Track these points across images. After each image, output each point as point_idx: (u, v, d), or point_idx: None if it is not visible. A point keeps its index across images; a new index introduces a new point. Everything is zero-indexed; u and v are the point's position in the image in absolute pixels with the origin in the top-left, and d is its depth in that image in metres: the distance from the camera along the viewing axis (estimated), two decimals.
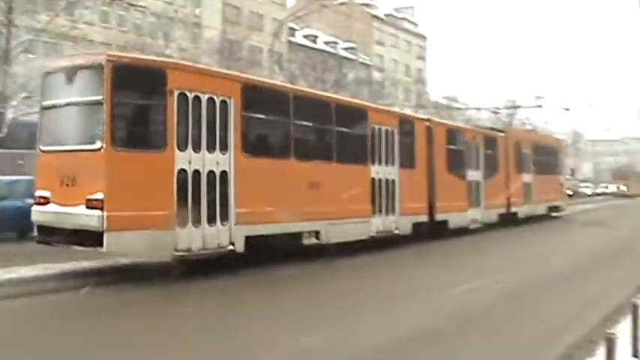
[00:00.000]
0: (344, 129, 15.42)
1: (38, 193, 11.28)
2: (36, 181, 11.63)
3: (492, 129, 26.67)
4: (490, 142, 23.86)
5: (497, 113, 53.81)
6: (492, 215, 23.13)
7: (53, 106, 11.28)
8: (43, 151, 11.33)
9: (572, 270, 13.49)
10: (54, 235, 10.94)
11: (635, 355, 6.39)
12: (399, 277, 12.48)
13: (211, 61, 33.23)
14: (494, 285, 11.25)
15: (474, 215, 21.77)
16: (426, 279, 12.18)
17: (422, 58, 75.09)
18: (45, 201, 11.06)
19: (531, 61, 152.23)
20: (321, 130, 14.81)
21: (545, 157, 29.20)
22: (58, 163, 10.92)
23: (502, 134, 25.43)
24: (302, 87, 26.53)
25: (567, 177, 37.74)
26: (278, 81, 21.38)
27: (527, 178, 26.67)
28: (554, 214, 29.26)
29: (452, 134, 21.19)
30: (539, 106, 48.62)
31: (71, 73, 11.06)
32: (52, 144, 11.20)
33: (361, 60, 59.27)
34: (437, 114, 48.53)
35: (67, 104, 11.06)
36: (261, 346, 7.19)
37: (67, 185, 10.71)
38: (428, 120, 20.24)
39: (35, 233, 11.36)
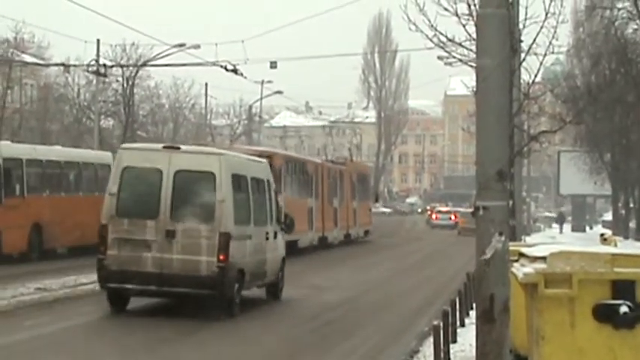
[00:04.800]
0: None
1: None
2: None
3: (333, 162, 50.52)
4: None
5: (103, 75, 50.63)
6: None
7: None
8: None
9: None
10: None
11: None
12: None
13: None
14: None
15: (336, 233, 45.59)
16: None
17: None
18: None
19: None
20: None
21: (361, 184, 52.03)
22: None
23: (345, 166, 49.15)
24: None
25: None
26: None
27: (354, 204, 49.05)
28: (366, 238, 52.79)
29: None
30: (180, 65, 49.42)
31: None
32: None
33: None
34: None
35: None
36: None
37: None
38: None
39: None
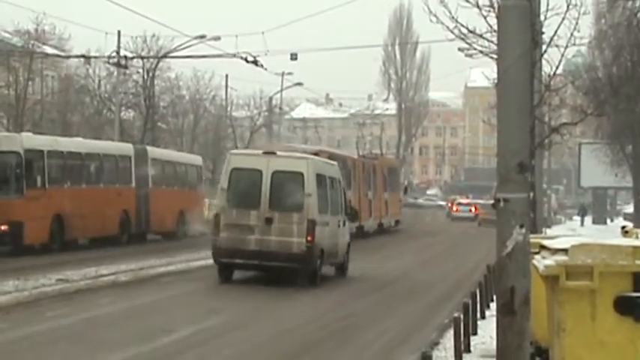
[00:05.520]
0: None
1: None
2: None
3: (366, 157, 53.93)
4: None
5: (123, 67, 51.92)
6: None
7: None
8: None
9: None
10: None
11: None
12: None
13: None
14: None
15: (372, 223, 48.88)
16: None
17: None
18: None
19: None
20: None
21: (391, 177, 56.14)
22: None
23: (377, 161, 53.93)
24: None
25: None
26: None
27: (386, 196, 52.92)
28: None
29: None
30: (200, 57, 50.06)
31: None
32: None
33: None
34: None
35: None
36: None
37: None
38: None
39: None
